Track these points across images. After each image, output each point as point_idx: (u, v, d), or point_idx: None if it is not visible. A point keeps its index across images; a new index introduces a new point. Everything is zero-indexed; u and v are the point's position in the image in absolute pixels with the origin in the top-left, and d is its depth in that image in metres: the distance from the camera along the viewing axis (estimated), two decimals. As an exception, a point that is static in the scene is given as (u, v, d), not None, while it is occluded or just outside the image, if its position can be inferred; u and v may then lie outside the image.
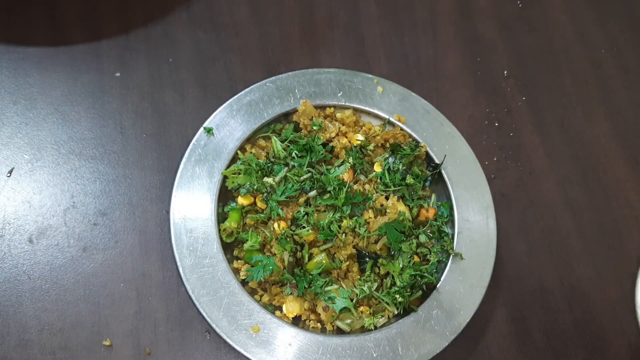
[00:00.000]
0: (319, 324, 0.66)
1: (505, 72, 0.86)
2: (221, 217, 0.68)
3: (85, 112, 0.75)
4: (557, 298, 0.74)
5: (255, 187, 0.67)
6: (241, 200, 0.68)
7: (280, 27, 0.84)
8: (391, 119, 0.74)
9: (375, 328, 0.65)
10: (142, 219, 0.71)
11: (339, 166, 0.70)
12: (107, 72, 0.77)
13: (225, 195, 0.69)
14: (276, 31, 0.83)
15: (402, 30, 0.86)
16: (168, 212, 0.67)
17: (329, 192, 0.67)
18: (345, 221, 0.66)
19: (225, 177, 0.69)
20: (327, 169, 0.69)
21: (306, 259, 0.66)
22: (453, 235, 0.70)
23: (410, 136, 0.74)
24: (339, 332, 0.66)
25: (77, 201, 0.70)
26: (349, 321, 0.65)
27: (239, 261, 0.67)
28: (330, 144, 0.71)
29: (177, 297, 0.68)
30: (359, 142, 0.72)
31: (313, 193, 0.67)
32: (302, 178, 0.68)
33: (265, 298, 0.66)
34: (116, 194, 0.71)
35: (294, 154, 0.69)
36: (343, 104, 0.75)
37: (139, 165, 0.73)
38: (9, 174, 0.71)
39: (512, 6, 0.91)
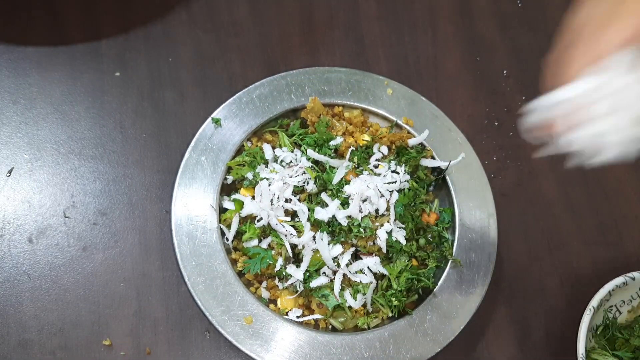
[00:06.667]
0: (312, 320, 0.66)
1: (505, 72, 0.86)
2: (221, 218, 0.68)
3: (85, 111, 0.75)
4: (557, 298, 0.74)
5: (258, 179, 0.67)
6: (243, 192, 0.68)
7: (280, 27, 0.83)
8: (399, 122, 0.74)
9: (369, 328, 0.65)
10: (142, 219, 0.71)
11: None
12: (107, 72, 0.77)
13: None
14: (276, 31, 0.83)
15: (402, 30, 0.86)
16: (168, 212, 0.67)
17: (330, 190, 0.67)
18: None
19: (225, 178, 0.69)
20: (330, 168, 0.69)
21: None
22: (453, 241, 0.70)
23: (416, 139, 0.74)
24: (332, 329, 0.66)
25: (77, 201, 0.70)
26: (342, 319, 0.65)
27: (237, 252, 0.67)
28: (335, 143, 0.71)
29: (177, 296, 0.68)
30: (365, 142, 0.72)
31: (314, 190, 0.67)
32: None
33: (260, 291, 0.66)
34: (116, 193, 0.71)
35: (303, 148, 0.69)
36: (352, 103, 0.74)
37: (139, 164, 0.73)
38: (8, 174, 0.71)
39: (512, 6, 0.91)
